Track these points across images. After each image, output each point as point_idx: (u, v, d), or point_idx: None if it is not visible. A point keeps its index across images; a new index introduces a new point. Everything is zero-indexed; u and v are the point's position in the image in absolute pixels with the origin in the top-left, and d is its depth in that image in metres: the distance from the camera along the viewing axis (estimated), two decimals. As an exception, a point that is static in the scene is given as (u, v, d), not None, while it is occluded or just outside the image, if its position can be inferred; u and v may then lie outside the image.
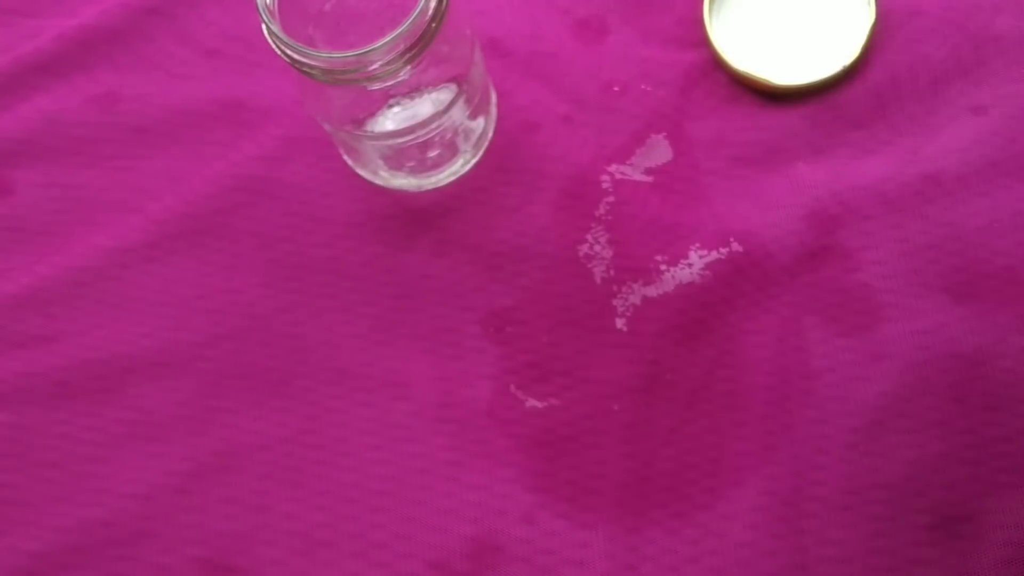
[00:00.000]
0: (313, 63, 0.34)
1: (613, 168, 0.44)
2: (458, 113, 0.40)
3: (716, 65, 0.45)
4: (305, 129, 0.45)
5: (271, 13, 0.34)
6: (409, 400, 0.42)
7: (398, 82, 0.35)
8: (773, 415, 0.40)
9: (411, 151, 0.42)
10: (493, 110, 0.44)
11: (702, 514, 0.40)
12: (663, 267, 0.42)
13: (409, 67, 0.35)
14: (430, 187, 0.44)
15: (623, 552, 0.40)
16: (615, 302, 0.42)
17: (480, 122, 0.43)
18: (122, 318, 0.44)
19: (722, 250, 0.42)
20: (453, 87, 0.39)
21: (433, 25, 0.34)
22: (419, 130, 0.39)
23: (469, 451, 0.41)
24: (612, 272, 0.43)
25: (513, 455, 0.41)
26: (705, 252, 0.42)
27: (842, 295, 0.41)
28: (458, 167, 0.44)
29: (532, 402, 0.42)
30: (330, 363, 0.42)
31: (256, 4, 0.34)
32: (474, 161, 0.44)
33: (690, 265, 0.42)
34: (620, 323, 0.42)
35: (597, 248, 0.43)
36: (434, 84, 0.38)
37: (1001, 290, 0.40)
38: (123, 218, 0.45)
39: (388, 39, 0.33)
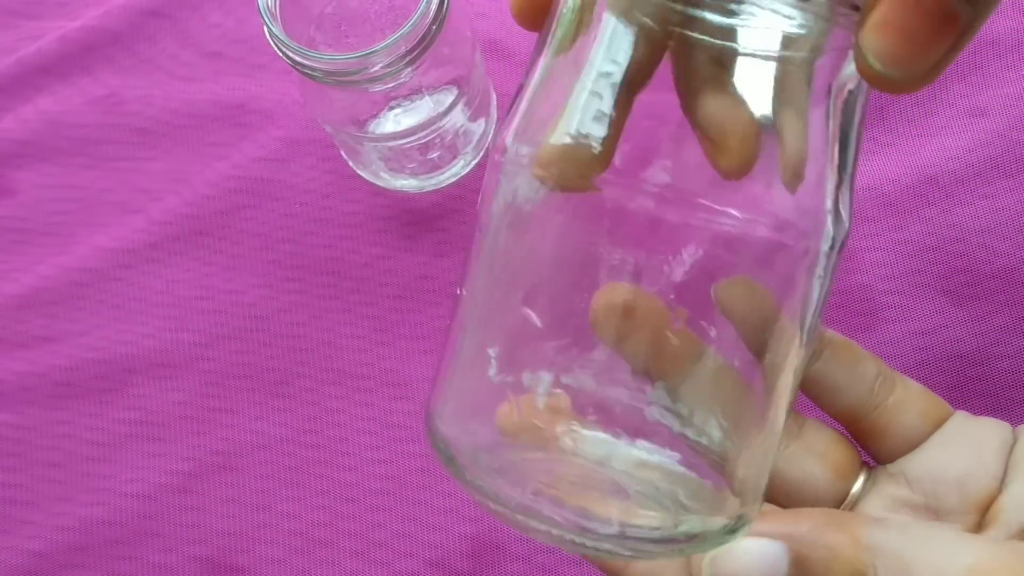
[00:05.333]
0: (314, 65, 0.34)
1: (613, 169, 0.44)
2: (459, 115, 0.40)
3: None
4: (306, 131, 0.45)
5: (273, 15, 0.35)
6: (409, 400, 0.42)
7: (399, 84, 0.36)
8: (773, 416, 0.40)
9: (412, 153, 0.42)
10: (493, 112, 0.44)
11: (701, 515, 0.40)
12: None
13: (410, 69, 0.35)
14: (431, 188, 0.44)
15: (623, 552, 0.40)
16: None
17: (480, 124, 0.43)
18: (124, 318, 0.44)
19: (722, 251, 0.42)
20: (454, 89, 0.39)
21: (434, 27, 0.34)
22: (420, 132, 0.39)
23: (469, 451, 0.41)
24: (612, 273, 0.42)
25: (513, 455, 0.41)
26: (705, 253, 0.42)
27: (842, 295, 0.41)
28: (459, 168, 0.44)
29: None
30: (330, 363, 0.43)
31: (258, 6, 0.34)
32: (474, 163, 0.44)
33: (690, 266, 0.42)
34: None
35: (597, 249, 0.43)
36: (435, 86, 0.38)
37: (1001, 291, 0.40)
38: (125, 219, 0.45)
39: (389, 41, 0.33)
